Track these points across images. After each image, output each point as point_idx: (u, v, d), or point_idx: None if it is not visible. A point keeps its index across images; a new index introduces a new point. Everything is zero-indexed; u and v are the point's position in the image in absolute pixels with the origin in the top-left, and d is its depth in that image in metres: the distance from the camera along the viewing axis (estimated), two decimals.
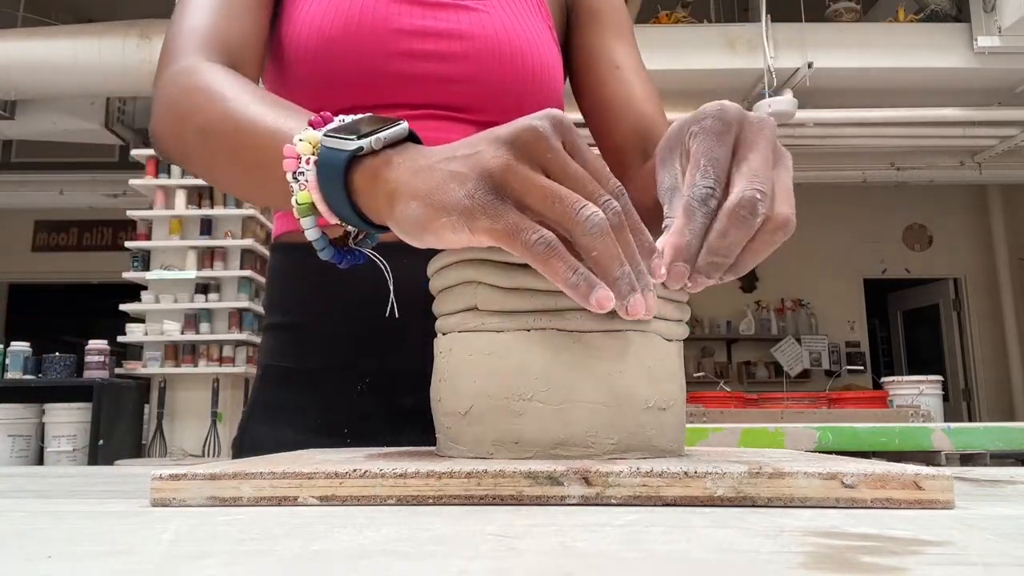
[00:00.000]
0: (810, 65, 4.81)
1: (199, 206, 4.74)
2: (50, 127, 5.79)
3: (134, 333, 4.59)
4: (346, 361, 0.77)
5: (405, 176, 0.45)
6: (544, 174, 0.42)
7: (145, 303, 4.63)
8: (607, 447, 0.45)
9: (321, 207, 0.49)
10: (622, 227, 0.42)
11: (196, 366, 4.58)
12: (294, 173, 0.49)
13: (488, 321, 0.47)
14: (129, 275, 4.71)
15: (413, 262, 0.57)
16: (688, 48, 4.96)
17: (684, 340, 0.52)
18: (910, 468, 0.37)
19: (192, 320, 4.62)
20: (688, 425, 0.56)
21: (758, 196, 0.44)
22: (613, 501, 0.37)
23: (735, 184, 0.45)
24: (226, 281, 4.72)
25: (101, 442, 3.91)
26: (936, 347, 8.03)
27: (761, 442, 2.06)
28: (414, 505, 0.37)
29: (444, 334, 0.51)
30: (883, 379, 3.43)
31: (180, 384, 4.64)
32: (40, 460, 3.95)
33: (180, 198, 4.70)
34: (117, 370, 4.40)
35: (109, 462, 3.78)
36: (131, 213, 4.79)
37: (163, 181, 4.72)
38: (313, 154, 0.48)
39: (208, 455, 4.44)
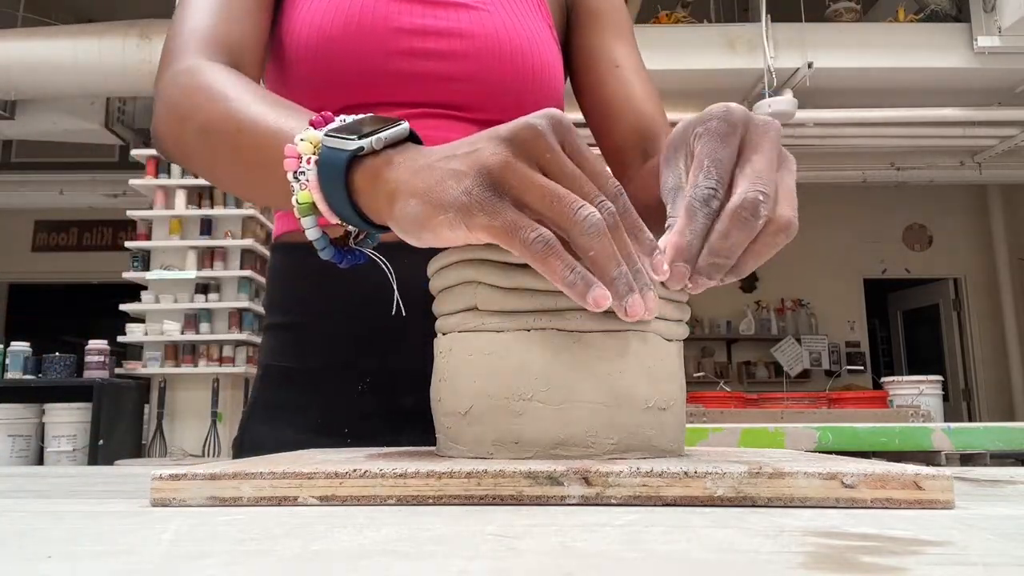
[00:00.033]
0: (810, 65, 4.81)
1: (199, 206, 4.74)
2: (50, 127, 5.79)
3: (134, 333, 4.59)
4: (346, 361, 0.77)
5: (405, 176, 0.45)
6: (542, 173, 0.42)
7: (145, 303, 4.63)
8: (607, 447, 0.45)
9: (322, 206, 0.49)
10: (617, 228, 0.42)
11: (196, 366, 4.58)
12: (295, 173, 0.49)
13: (488, 321, 0.47)
14: (129, 275, 4.71)
15: (414, 262, 0.57)
16: (688, 48, 4.96)
17: (684, 340, 0.52)
18: (910, 468, 0.37)
19: (192, 320, 4.62)
20: (688, 425, 0.56)
21: (761, 198, 0.44)
22: (613, 501, 0.37)
23: (738, 185, 0.45)
24: (226, 281, 4.72)
25: (101, 442, 3.91)
26: (936, 347, 8.03)
27: (761, 442, 2.06)
28: (414, 505, 0.37)
29: (444, 334, 0.51)
30: (883, 379, 3.43)
31: (180, 384, 4.64)
32: (40, 460, 3.95)
33: (180, 198, 4.70)
34: (117, 370, 4.40)
35: (109, 462, 3.78)
36: (131, 213, 4.79)
37: (163, 181, 4.72)
38: (314, 154, 0.48)
39: (208, 455, 4.44)
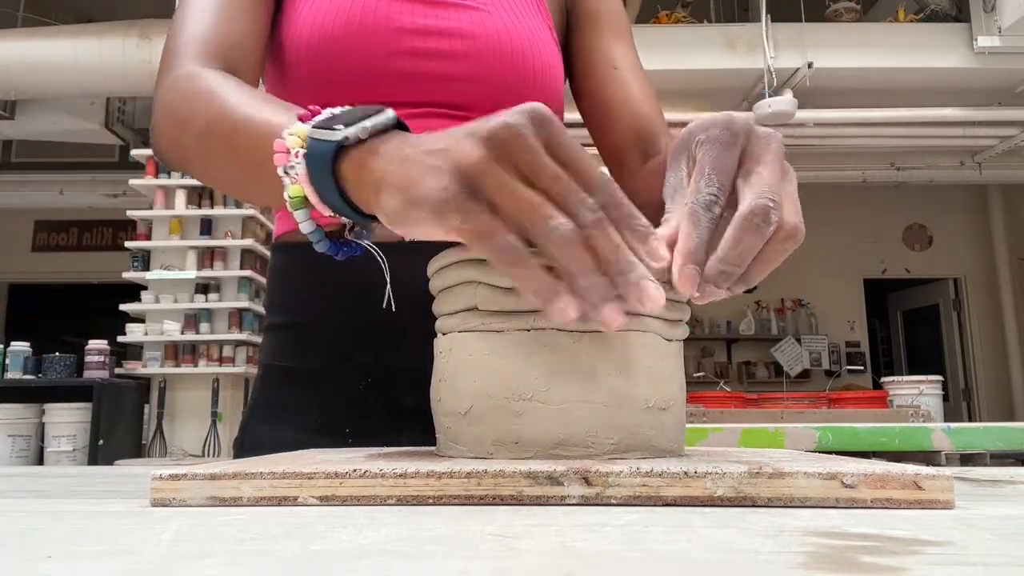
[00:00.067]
0: (810, 65, 4.81)
1: (199, 206, 4.74)
2: (50, 127, 5.79)
3: (134, 333, 4.59)
4: (346, 361, 0.77)
5: (390, 166, 0.45)
6: (520, 173, 0.42)
7: (145, 303, 4.63)
8: (607, 447, 0.45)
9: (313, 199, 0.49)
10: (600, 225, 0.41)
11: (196, 366, 4.58)
12: (285, 167, 0.49)
13: (488, 321, 0.47)
14: (129, 275, 4.71)
15: (414, 261, 0.57)
16: (688, 48, 4.96)
17: (684, 340, 0.52)
18: (910, 468, 0.37)
19: (192, 320, 4.62)
20: (688, 425, 0.56)
21: (771, 204, 0.44)
22: (613, 501, 0.37)
23: (745, 194, 0.45)
24: (226, 281, 4.72)
25: (101, 442, 3.91)
26: (936, 347, 8.03)
27: (761, 442, 2.06)
28: (414, 505, 0.37)
29: (444, 334, 0.51)
30: (883, 379, 3.43)
31: (180, 384, 4.64)
32: (40, 460, 3.95)
33: (180, 198, 4.70)
34: (117, 370, 4.40)
35: (109, 462, 3.78)
36: (131, 213, 4.79)
37: (163, 181, 4.72)
38: (302, 147, 0.49)
39: (208, 455, 4.44)
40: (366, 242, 0.54)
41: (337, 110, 0.49)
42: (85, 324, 5.85)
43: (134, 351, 4.72)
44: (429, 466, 0.38)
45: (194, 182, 4.67)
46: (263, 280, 4.73)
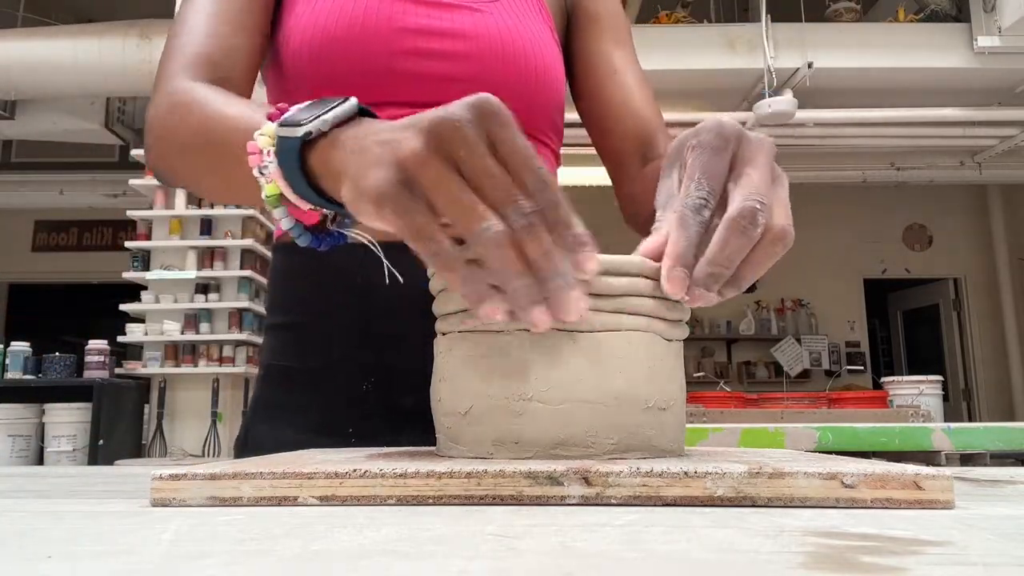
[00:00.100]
0: (810, 65, 4.81)
1: (199, 206, 4.74)
2: (50, 127, 5.79)
3: (134, 333, 4.59)
4: (346, 361, 0.77)
5: (349, 156, 0.46)
6: (459, 169, 0.41)
7: (145, 303, 4.63)
8: (607, 447, 0.45)
9: (289, 195, 0.50)
10: (531, 229, 0.40)
11: (196, 366, 4.58)
12: (259, 167, 0.50)
13: (488, 321, 0.47)
14: (129, 275, 4.71)
15: (413, 261, 0.57)
16: (688, 48, 4.96)
17: (684, 340, 0.52)
18: (910, 468, 0.37)
19: (192, 320, 4.62)
20: (688, 425, 0.56)
21: (758, 207, 0.44)
22: (613, 501, 0.37)
23: (734, 197, 0.45)
24: (226, 281, 4.72)
25: (101, 442, 3.91)
26: (936, 347, 8.03)
27: (761, 442, 2.06)
28: (414, 505, 0.37)
29: (444, 334, 0.51)
30: (883, 379, 3.43)
31: (180, 384, 4.64)
32: (40, 460, 3.95)
33: (180, 198, 4.70)
34: (117, 370, 4.40)
35: (109, 462, 3.78)
36: (131, 213, 4.79)
37: None
38: (272, 146, 0.49)
39: (208, 455, 4.44)
40: (357, 231, 0.55)
41: (303, 105, 0.50)
42: (85, 324, 5.85)
43: (134, 351, 4.72)
44: (429, 466, 0.38)
45: None
46: (263, 280, 4.73)
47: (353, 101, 0.49)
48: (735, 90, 5.22)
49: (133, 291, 4.68)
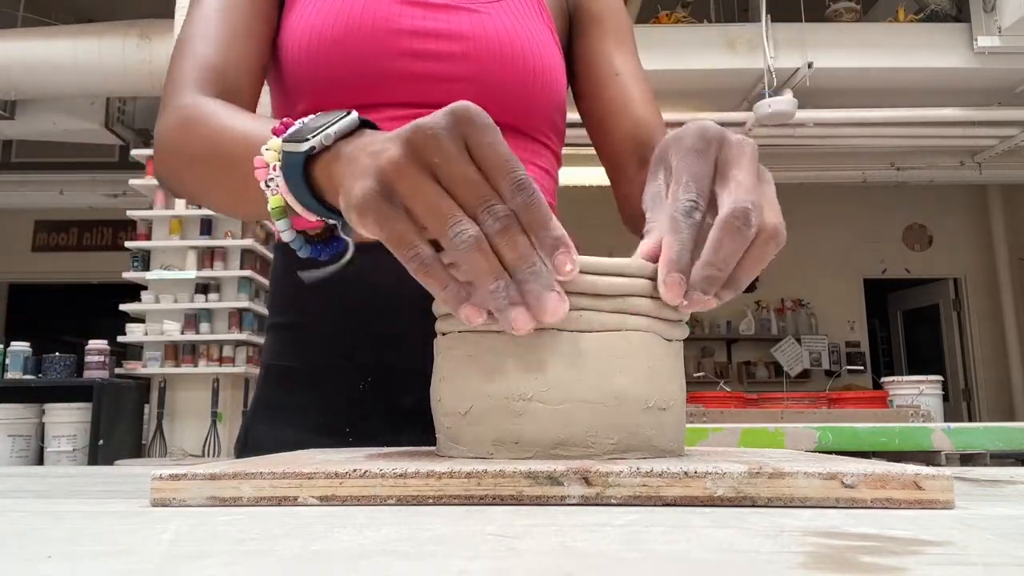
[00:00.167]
0: (810, 65, 4.82)
1: (199, 206, 4.73)
2: (50, 127, 5.80)
3: (134, 333, 4.59)
4: (346, 361, 0.77)
5: (346, 168, 0.47)
6: (435, 176, 0.42)
7: (145, 303, 4.63)
8: (607, 447, 0.45)
9: (295, 207, 0.51)
10: (506, 232, 0.41)
11: (196, 366, 4.58)
12: (266, 181, 0.52)
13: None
14: (129, 275, 4.71)
15: None
16: (688, 48, 4.96)
17: (684, 340, 0.52)
18: (910, 468, 0.37)
19: (192, 320, 4.62)
20: (688, 425, 0.56)
21: (750, 207, 0.44)
22: (613, 501, 0.37)
23: (723, 199, 0.45)
24: (226, 281, 4.72)
25: (101, 442, 3.91)
26: (936, 347, 8.03)
27: (761, 442, 2.06)
28: (414, 505, 0.37)
29: (444, 334, 0.51)
30: (883, 379, 3.43)
31: (180, 384, 4.63)
32: (40, 460, 3.95)
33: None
34: (117, 370, 4.40)
35: (109, 462, 3.78)
36: (131, 213, 4.79)
37: None
38: (278, 160, 0.51)
39: (208, 455, 4.44)
40: (349, 239, 0.56)
41: (307, 119, 0.51)
42: (85, 324, 5.85)
43: (134, 351, 4.72)
44: (429, 466, 0.38)
45: None
46: (263, 280, 4.73)
47: (355, 115, 0.50)
48: (735, 90, 5.22)
49: (133, 291, 4.68)
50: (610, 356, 0.46)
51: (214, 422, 4.52)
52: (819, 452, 0.58)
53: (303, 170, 0.50)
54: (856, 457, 0.50)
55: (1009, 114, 5.28)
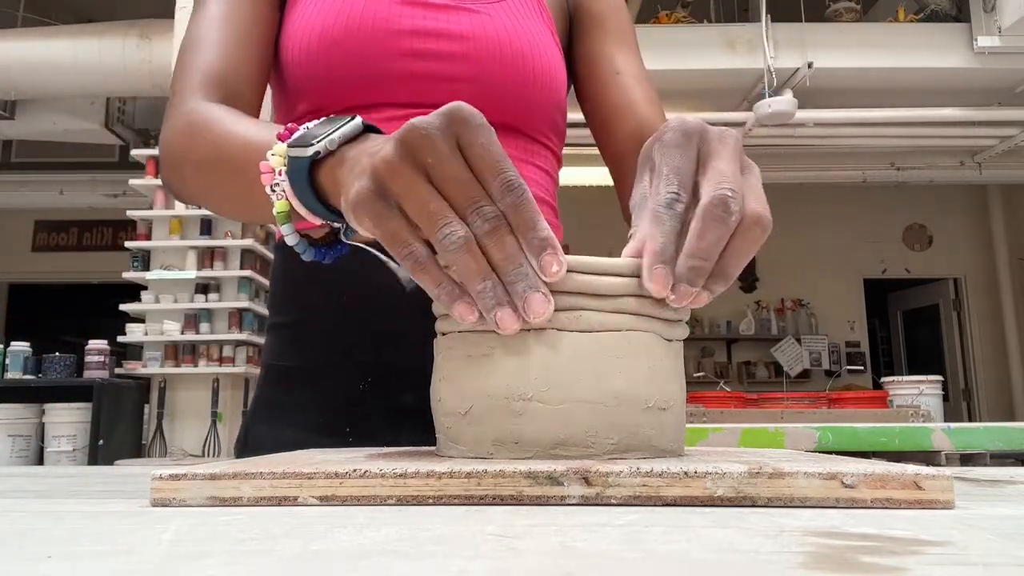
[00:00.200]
0: (810, 65, 4.82)
1: (199, 206, 4.73)
2: (50, 127, 5.80)
3: (134, 333, 4.59)
4: (346, 360, 0.77)
5: (348, 172, 0.47)
6: (428, 176, 0.43)
7: (145, 303, 4.62)
8: (607, 447, 0.45)
9: (301, 211, 0.52)
10: (494, 233, 0.42)
11: (196, 366, 4.58)
12: (272, 186, 0.52)
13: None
14: (129, 275, 4.71)
15: None
16: (688, 48, 4.96)
17: (684, 340, 0.52)
18: (910, 468, 0.37)
19: (192, 320, 4.62)
20: (688, 425, 0.56)
21: (728, 194, 0.44)
22: (613, 501, 0.37)
23: (704, 189, 0.45)
24: (226, 281, 4.72)
25: (101, 442, 3.91)
26: (936, 347, 8.03)
27: (761, 442, 2.06)
28: (414, 505, 0.37)
29: (444, 334, 0.51)
30: (883, 379, 3.43)
31: (180, 384, 4.63)
32: (40, 460, 3.95)
33: None
34: (117, 370, 4.40)
35: (109, 462, 3.78)
36: (131, 213, 4.79)
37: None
38: (284, 165, 0.51)
39: (208, 455, 4.44)
40: (353, 241, 0.56)
41: (311, 124, 0.52)
42: (85, 324, 5.85)
43: (134, 351, 4.72)
44: (429, 466, 0.38)
45: None
46: (263, 280, 4.73)
47: (358, 120, 0.51)
48: (735, 90, 5.22)
49: (133, 291, 4.68)
50: (610, 356, 0.46)
51: (214, 422, 4.52)
52: (819, 452, 0.58)
53: (308, 175, 0.50)
54: (856, 457, 0.50)
55: (1009, 114, 5.28)
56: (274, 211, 0.53)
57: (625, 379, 0.46)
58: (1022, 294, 7.61)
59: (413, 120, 0.43)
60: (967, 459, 2.15)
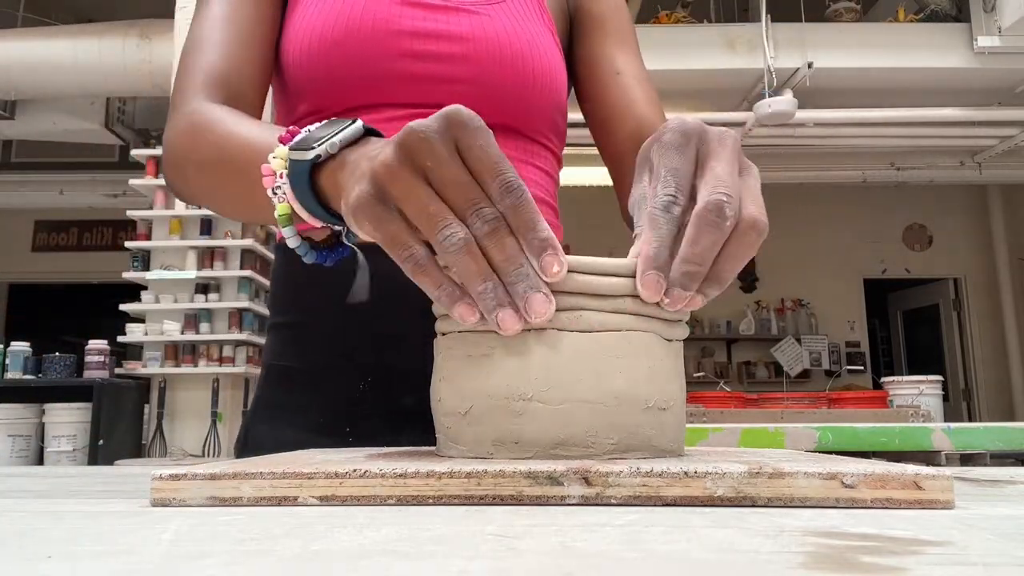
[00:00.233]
0: (810, 65, 4.82)
1: (199, 206, 4.73)
2: (50, 127, 5.80)
3: (134, 333, 4.59)
4: (346, 361, 0.77)
5: (348, 176, 0.48)
6: (427, 179, 0.43)
7: (145, 303, 4.62)
8: (607, 447, 0.45)
9: (302, 213, 0.52)
10: (494, 235, 0.42)
11: (196, 366, 4.58)
12: (273, 188, 0.52)
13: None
14: (129, 275, 4.71)
15: None
16: (688, 48, 4.96)
17: (684, 340, 0.52)
18: (910, 468, 0.37)
19: (192, 320, 4.62)
20: (688, 425, 0.56)
21: (724, 199, 0.44)
22: (613, 501, 0.37)
23: (700, 192, 0.45)
24: (226, 281, 4.72)
25: (101, 442, 3.91)
26: (936, 347, 8.04)
27: (761, 442, 2.06)
28: (414, 505, 0.37)
29: (444, 334, 0.51)
30: (883, 379, 3.43)
31: (180, 384, 4.63)
32: (40, 460, 3.95)
33: None
34: (117, 370, 4.40)
35: (109, 462, 3.78)
36: (131, 213, 4.79)
37: (163, 181, 4.71)
38: (285, 168, 0.52)
39: (208, 455, 4.44)
40: (352, 244, 0.56)
41: (313, 127, 0.52)
42: (85, 324, 5.85)
43: (134, 351, 4.72)
44: (429, 466, 0.38)
45: None
46: (263, 280, 4.73)
47: (359, 123, 0.51)
48: (735, 90, 5.22)
49: (133, 291, 4.68)
50: (610, 356, 0.46)
51: (214, 422, 4.52)
52: (819, 452, 0.58)
53: (309, 178, 0.50)
54: (856, 457, 0.50)
55: (1009, 114, 5.28)
56: (276, 214, 0.53)
57: (625, 379, 0.46)
58: (1022, 294, 7.61)
59: (411, 123, 0.43)
60: (967, 459, 2.15)
